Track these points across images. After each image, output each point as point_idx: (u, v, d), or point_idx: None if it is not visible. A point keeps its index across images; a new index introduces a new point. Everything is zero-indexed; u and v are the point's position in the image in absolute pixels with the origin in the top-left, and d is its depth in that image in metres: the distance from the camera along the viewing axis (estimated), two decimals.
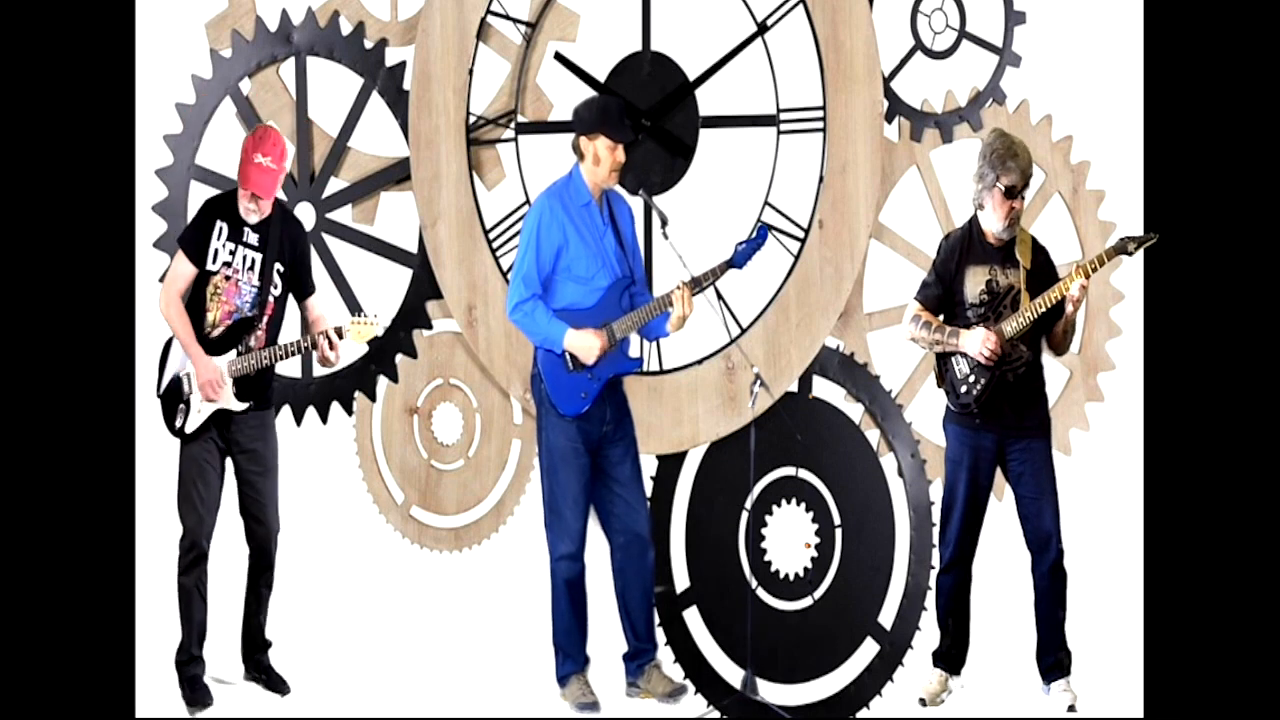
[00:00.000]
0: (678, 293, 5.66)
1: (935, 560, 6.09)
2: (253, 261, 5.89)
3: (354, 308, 6.53)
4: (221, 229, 5.87)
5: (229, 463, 5.97)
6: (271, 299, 5.91)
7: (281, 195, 6.12)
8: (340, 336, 5.88)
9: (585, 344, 5.70)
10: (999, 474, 5.97)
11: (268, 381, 5.99)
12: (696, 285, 5.70)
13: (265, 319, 5.90)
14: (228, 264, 5.86)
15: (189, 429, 5.87)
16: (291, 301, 6.03)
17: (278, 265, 5.92)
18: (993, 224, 5.81)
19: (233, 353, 5.85)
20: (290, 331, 6.09)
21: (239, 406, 5.89)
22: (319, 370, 6.57)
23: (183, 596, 5.91)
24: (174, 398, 5.92)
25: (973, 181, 5.84)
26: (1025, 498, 5.88)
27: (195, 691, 5.91)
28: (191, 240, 5.88)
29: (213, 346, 5.85)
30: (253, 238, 5.89)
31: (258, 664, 6.10)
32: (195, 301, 5.89)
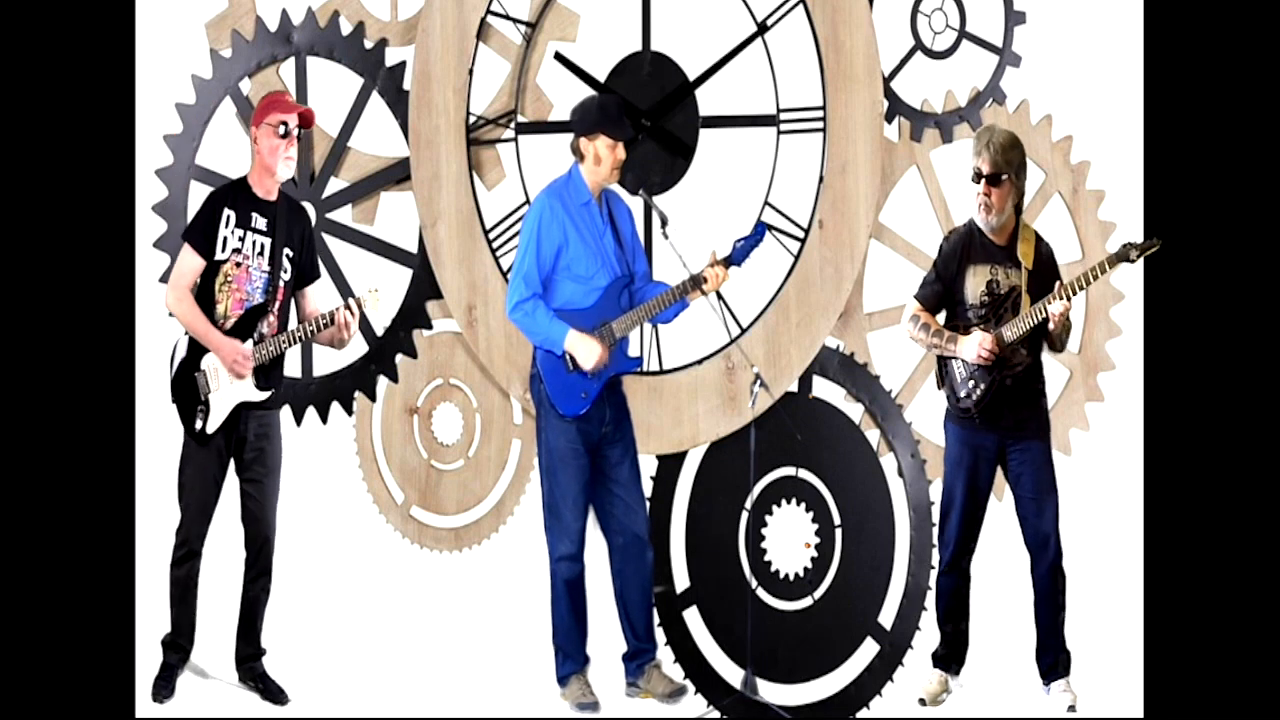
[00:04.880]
0: (711, 270, 5.69)
1: (935, 560, 6.09)
2: (262, 247, 5.85)
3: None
4: (229, 216, 5.83)
5: (230, 469, 5.93)
6: (281, 284, 5.89)
7: (291, 172, 6.04)
8: (361, 308, 5.88)
9: (587, 350, 5.69)
10: (999, 474, 5.97)
11: (281, 372, 5.97)
12: (697, 284, 5.70)
13: (276, 305, 5.88)
14: (237, 250, 5.82)
15: (210, 429, 5.82)
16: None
17: (287, 250, 5.90)
18: (975, 214, 5.79)
19: (249, 342, 5.82)
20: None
21: (260, 395, 5.86)
22: (319, 370, 6.57)
23: (175, 588, 5.92)
24: (191, 400, 5.85)
25: None
26: (1024, 498, 5.88)
27: (163, 678, 5.91)
28: (199, 232, 5.82)
29: (228, 336, 5.81)
30: (261, 223, 5.85)
31: (252, 671, 6.03)
32: (204, 294, 5.83)
